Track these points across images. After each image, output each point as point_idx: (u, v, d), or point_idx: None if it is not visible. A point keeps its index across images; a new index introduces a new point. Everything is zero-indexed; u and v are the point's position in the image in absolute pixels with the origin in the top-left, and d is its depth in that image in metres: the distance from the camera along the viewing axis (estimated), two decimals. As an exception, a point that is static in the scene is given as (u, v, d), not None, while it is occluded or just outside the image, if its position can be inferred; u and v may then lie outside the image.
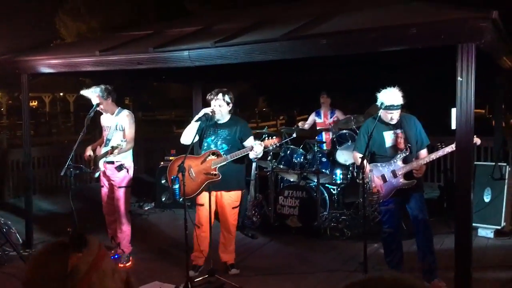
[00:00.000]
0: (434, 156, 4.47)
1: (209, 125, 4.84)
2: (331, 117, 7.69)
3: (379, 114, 4.49)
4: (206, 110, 4.84)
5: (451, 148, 4.35)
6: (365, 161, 4.39)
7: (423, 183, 4.84)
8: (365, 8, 5.14)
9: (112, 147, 5.18)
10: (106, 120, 5.55)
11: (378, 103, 4.41)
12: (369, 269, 4.64)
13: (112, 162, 5.37)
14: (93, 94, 5.36)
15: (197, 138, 4.88)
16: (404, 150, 4.48)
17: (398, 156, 4.48)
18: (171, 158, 8.11)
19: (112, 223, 5.61)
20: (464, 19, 3.75)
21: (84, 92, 5.41)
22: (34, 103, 34.55)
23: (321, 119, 7.73)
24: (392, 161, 4.49)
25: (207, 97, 4.96)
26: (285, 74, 8.14)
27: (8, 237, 5.27)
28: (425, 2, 4.66)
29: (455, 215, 4.11)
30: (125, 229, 5.51)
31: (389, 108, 4.37)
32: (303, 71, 7.56)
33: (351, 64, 6.48)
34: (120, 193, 5.43)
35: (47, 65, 5.76)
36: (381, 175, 4.51)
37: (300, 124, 7.95)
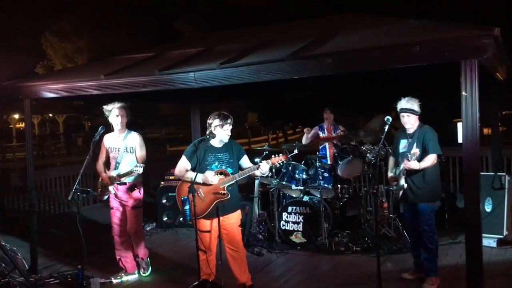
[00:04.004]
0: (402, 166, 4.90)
1: (207, 151, 4.71)
2: (334, 133, 7.76)
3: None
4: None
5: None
6: (390, 168, 5.11)
7: (430, 194, 4.99)
8: (367, 27, 5.26)
9: (131, 171, 5.24)
10: (112, 141, 5.57)
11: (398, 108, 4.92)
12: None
13: (124, 184, 5.42)
14: (117, 109, 5.42)
15: (189, 166, 4.78)
16: (404, 157, 4.88)
17: (401, 163, 4.91)
18: (171, 178, 8.14)
19: (122, 244, 5.63)
20: (467, 37, 3.88)
21: (109, 106, 5.45)
22: (21, 125, 34.30)
23: (325, 133, 7.80)
24: (400, 165, 4.93)
25: (212, 121, 4.71)
26: (283, 91, 8.23)
27: (16, 264, 5.22)
28: (427, 21, 4.79)
29: (465, 227, 4.18)
30: (142, 243, 5.68)
31: (400, 111, 4.88)
32: (302, 89, 7.66)
33: (351, 81, 6.60)
34: (135, 214, 5.52)
35: (51, 90, 5.78)
36: (395, 177, 5.08)
37: (305, 130, 7.94)
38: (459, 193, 7.79)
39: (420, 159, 4.78)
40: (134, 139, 5.48)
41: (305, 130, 7.90)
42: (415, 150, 4.68)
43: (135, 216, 5.52)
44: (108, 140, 5.61)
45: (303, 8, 14.79)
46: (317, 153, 7.24)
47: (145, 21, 25.23)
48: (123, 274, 5.62)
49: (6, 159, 23.40)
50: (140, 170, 5.18)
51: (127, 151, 5.46)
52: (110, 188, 5.43)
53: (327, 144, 7.69)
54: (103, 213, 8.12)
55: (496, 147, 6.95)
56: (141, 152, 5.45)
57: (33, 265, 6.02)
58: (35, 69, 28.74)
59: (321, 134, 7.83)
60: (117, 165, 5.45)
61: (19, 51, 26.80)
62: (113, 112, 5.43)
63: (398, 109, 4.95)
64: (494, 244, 6.10)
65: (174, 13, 22.98)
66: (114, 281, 5.54)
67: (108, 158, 5.63)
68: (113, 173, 5.44)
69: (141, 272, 5.70)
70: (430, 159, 4.81)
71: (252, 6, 17.57)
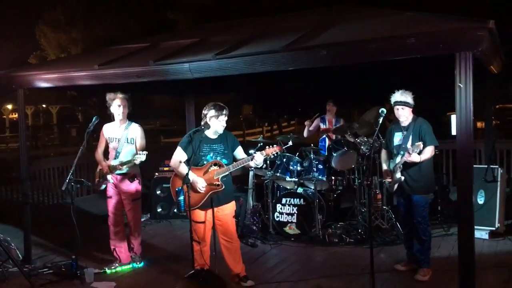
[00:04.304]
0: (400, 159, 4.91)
1: (201, 142, 4.72)
2: (335, 125, 7.77)
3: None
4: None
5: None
6: (383, 161, 5.17)
7: (426, 186, 5.03)
8: (362, 18, 5.26)
9: (134, 159, 5.25)
10: (112, 131, 5.57)
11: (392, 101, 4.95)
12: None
13: (125, 174, 5.45)
14: (119, 99, 5.44)
15: (185, 157, 4.78)
16: (401, 150, 4.92)
17: (398, 155, 4.93)
18: (165, 169, 8.13)
19: (117, 234, 5.64)
20: (462, 29, 3.88)
21: (112, 95, 5.45)
22: (14, 116, 34.09)
23: (326, 125, 7.83)
24: (396, 159, 4.96)
25: (207, 112, 4.71)
26: (278, 83, 8.22)
27: (10, 254, 5.22)
28: (422, 13, 4.79)
29: (457, 219, 4.21)
30: (139, 235, 5.76)
31: (394, 104, 4.92)
32: (296, 81, 7.66)
33: (346, 73, 6.60)
34: (134, 206, 5.59)
35: (45, 79, 5.75)
36: (389, 171, 5.08)
37: (306, 123, 7.93)
38: (452, 185, 7.84)
39: (419, 151, 4.79)
40: (135, 130, 5.52)
41: (306, 123, 7.91)
42: (419, 143, 4.68)
43: (135, 207, 5.60)
44: (108, 130, 5.60)
45: (297, 3, 14.75)
46: (311, 145, 7.24)
47: (138, 11, 25.02)
48: (117, 264, 5.62)
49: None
50: (143, 157, 5.20)
51: (127, 142, 5.49)
52: (109, 177, 5.43)
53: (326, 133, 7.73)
54: (97, 203, 8.11)
55: (489, 140, 6.99)
56: (142, 142, 5.49)
57: (26, 255, 6.01)
58: (28, 59, 28.50)
59: (322, 126, 7.86)
60: (118, 154, 5.47)
61: (12, 41, 26.59)
62: (116, 102, 5.44)
63: (392, 102, 4.96)
64: (486, 236, 6.15)
65: (168, 4, 22.83)
66: (108, 271, 5.54)
67: (106, 147, 5.63)
68: (113, 162, 5.44)
69: (133, 265, 5.72)
70: (429, 151, 4.85)
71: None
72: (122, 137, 5.48)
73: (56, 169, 8.80)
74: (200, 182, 4.67)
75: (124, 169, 5.37)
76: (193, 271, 4.53)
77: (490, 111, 7.07)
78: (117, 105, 5.44)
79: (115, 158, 5.47)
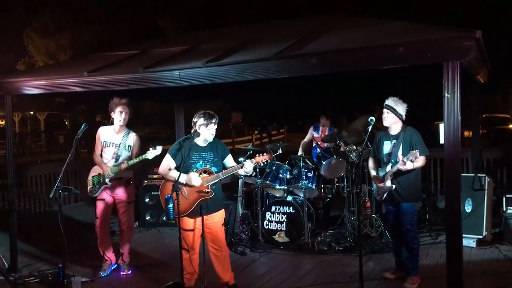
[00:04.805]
0: (394, 168, 4.90)
1: (191, 149, 4.70)
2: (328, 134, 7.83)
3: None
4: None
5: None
6: (372, 169, 5.15)
7: (415, 194, 5.06)
8: (352, 27, 5.30)
9: (145, 155, 5.22)
10: (110, 136, 5.56)
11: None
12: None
13: (121, 178, 5.46)
14: (122, 106, 5.44)
15: (174, 164, 4.77)
16: (392, 159, 4.94)
17: (388, 163, 4.95)
18: (154, 176, 8.09)
19: (106, 238, 5.64)
20: (450, 39, 3.94)
21: (115, 100, 5.44)
22: (1, 122, 33.77)
23: (319, 134, 7.88)
24: (385, 167, 4.98)
25: (197, 120, 4.71)
26: (268, 90, 8.26)
27: (-4, 263, 5.16)
28: (411, 22, 4.85)
29: (445, 227, 4.24)
30: (129, 241, 5.74)
31: (383, 106, 4.93)
32: (287, 88, 7.69)
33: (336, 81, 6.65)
34: (130, 209, 5.63)
35: (33, 86, 5.71)
36: (379, 178, 5.09)
37: (300, 151, 8.04)
38: (440, 194, 7.89)
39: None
40: (133, 139, 5.55)
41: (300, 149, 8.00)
42: (415, 151, 4.68)
43: (128, 211, 5.63)
44: (105, 134, 5.59)
45: (288, 8, 14.82)
46: (299, 153, 7.27)
47: (128, 18, 24.97)
48: (106, 267, 5.63)
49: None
50: (157, 152, 5.16)
51: (125, 149, 5.49)
52: (107, 180, 5.42)
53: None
54: (84, 211, 8.03)
55: (477, 149, 7.06)
56: (137, 151, 5.49)
57: (13, 264, 5.94)
58: (16, 66, 28.27)
59: (315, 134, 7.94)
60: (118, 158, 5.48)
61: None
62: (118, 109, 5.44)
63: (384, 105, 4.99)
64: (473, 244, 6.19)
65: (157, 11, 22.83)
66: (101, 273, 5.56)
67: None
68: (110, 164, 5.45)
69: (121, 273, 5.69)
70: (421, 160, 4.85)
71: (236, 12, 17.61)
72: (121, 144, 5.48)
73: (43, 176, 8.69)
74: (193, 176, 4.63)
75: (127, 164, 5.33)
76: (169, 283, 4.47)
77: (477, 120, 7.15)
78: (119, 111, 5.43)
79: (115, 161, 5.47)
